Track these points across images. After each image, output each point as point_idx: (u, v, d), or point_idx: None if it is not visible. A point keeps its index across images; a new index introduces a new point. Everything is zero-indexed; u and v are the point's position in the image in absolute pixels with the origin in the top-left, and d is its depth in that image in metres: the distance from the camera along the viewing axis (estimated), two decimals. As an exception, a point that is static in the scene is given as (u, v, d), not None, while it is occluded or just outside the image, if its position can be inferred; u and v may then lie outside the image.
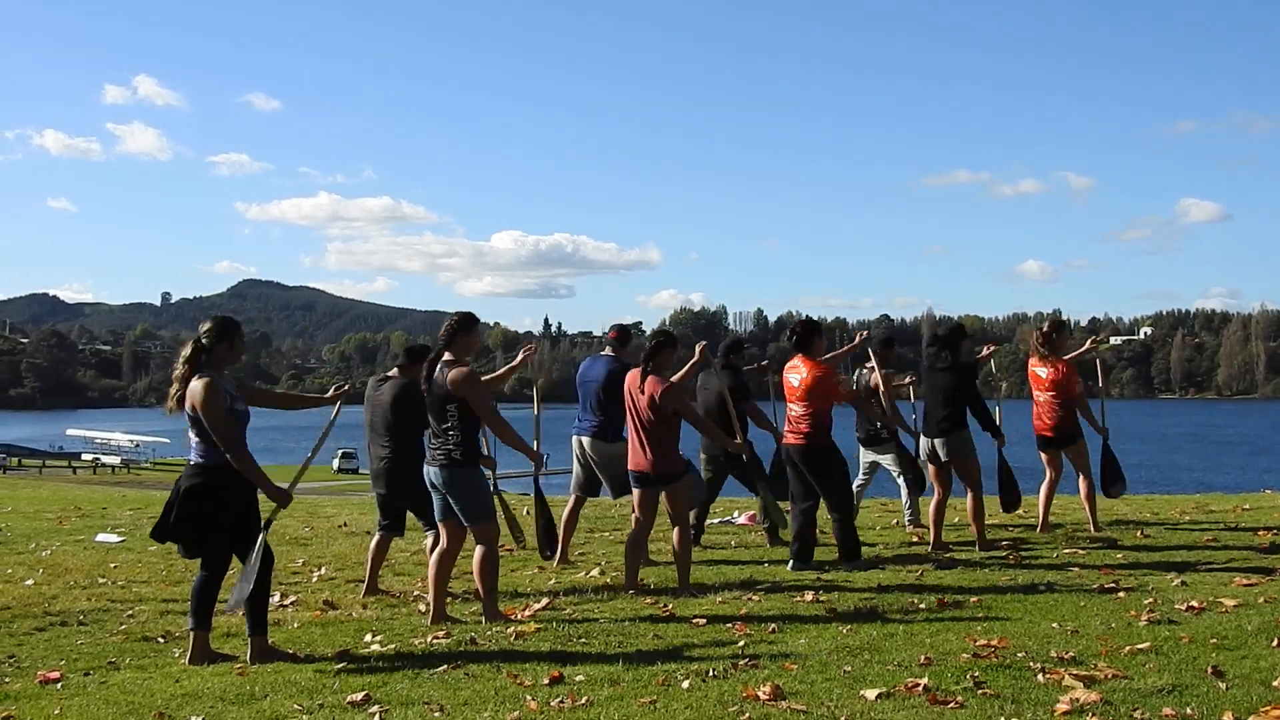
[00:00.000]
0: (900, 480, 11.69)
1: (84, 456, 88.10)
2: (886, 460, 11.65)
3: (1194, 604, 7.41)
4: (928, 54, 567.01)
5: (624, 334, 10.16)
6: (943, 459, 10.35)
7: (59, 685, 6.31)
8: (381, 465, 8.82)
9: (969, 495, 10.35)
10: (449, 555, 7.80)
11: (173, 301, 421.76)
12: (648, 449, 8.59)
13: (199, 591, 6.85)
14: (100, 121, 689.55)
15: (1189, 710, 5.13)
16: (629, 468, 8.80)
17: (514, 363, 10.06)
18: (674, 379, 8.70)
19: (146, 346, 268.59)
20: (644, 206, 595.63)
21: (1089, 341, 12.79)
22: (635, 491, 8.77)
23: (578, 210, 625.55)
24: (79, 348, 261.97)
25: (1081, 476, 11.07)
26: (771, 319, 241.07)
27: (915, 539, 10.95)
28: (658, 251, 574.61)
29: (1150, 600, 7.64)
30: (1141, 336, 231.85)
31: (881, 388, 10.91)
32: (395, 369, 9.07)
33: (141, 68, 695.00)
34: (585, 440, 9.90)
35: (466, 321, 7.75)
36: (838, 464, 9.64)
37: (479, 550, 7.71)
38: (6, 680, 6.47)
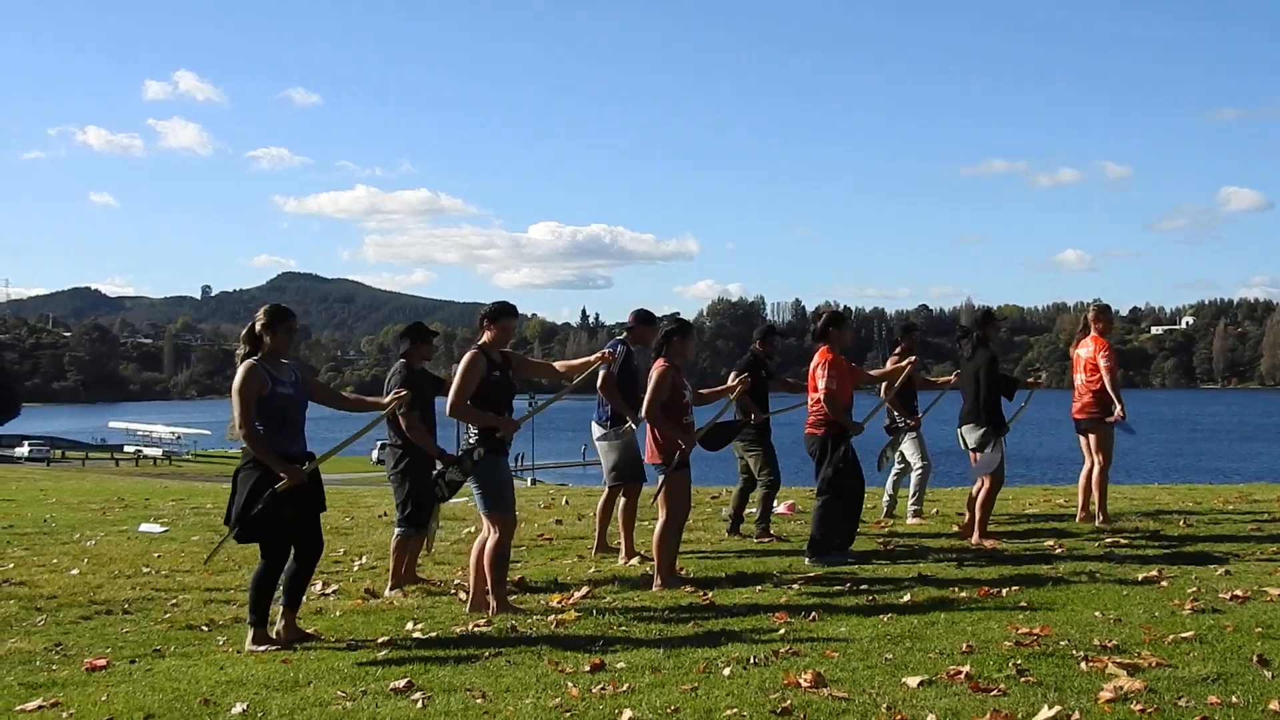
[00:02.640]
0: (914, 470, 11.68)
1: (126, 448, 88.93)
2: (906, 449, 11.63)
3: (1238, 593, 7.34)
4: (964, 43, 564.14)
5: (638, 318, 9.96)
6: (970, 448, 10.29)
7: (105, 672, 6.38)
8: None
9: (982, 483, 10.30)
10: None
11: (213, 294, 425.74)
12: (650, 437, 8.52)
13: (255, 584, 6.95)
14: (141, 117, 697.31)
15: (1234, 698, 5.09)
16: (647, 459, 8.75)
17: (587, 358, 8.81)
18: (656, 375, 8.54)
19: (187, 339, 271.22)
20: (682, 197, 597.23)
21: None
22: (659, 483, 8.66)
23: (615, 201, 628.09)
24: (120, 341, 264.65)
25: (1100, 458, 10.98)
26: (809, 309, 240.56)
27: (956, 528, 10.89)
28: (695, 242, 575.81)
29: (1194, 589, 7.58)
30: (1184, 325, 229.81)
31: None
32: (401, 356, 8.87)
33: (182, 63, 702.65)
34: (595, 427, 9.87)
35: (494, 311, 7.79)
36: (836, 455, 9.44)
37: (491, 540, 7.64)
38: (54, 667, 6.55)
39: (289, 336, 7.03)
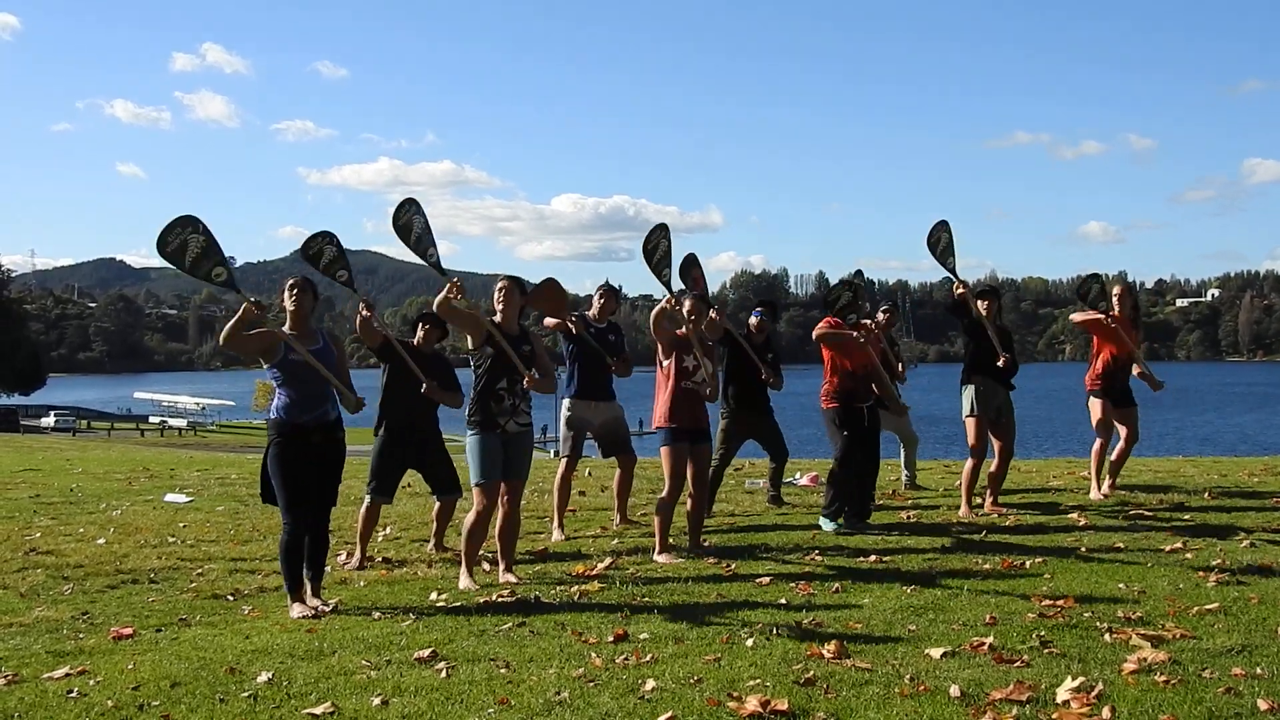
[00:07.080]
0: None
1: (151, 419, 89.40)
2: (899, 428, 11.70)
3: (1263, 565, 7.32)
4: (987, 16, 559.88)
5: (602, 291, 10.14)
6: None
7: (131, 641, 6.42)
8: None
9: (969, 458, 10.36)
10: (506, 515, 7.83)
11: (237, 266, 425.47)
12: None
13: (281, 551, 7.06)
14: (169, 90, 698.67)
15: (1259, 670, 5.07)
16: None
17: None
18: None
19: (212, 311, 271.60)
20: (705, 169, 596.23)
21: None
22: None
23: (638, 173, 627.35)
24: (145, 312, 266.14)
25: (1098, 437, 11.00)
26: (833, 281, 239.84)
27: (979, 500, 10.84)
28: (719, 214, 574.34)
29: (1219, 561, 7.56)
30: (1210, 298, 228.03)
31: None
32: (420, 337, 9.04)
33: (210, 35, 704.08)
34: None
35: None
36: (837, 425, 9.52)
37: (471, 512, 7.75)
38: (81, 636, 6.59)
39: (293, 297, 7.18)
